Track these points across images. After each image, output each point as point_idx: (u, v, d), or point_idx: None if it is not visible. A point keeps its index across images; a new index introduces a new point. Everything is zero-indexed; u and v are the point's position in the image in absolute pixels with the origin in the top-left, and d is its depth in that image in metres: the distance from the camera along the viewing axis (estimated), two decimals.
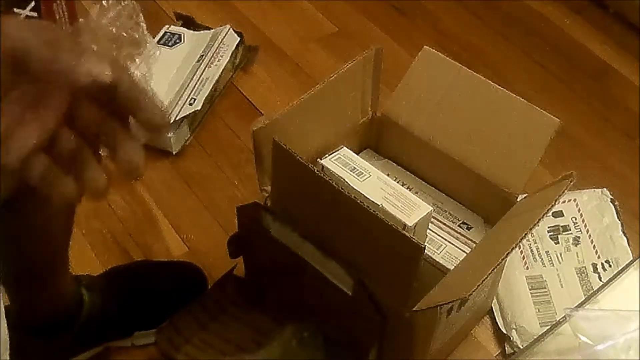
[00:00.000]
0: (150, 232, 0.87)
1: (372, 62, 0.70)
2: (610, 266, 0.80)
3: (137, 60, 1.00)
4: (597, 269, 0.79)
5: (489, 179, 0.68)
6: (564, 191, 0.56)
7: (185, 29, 1.05)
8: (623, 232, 0.84)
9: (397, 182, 0.67)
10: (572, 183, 0.57)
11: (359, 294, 0.62)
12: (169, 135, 0.92)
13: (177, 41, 1.03)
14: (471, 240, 0.71)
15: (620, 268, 0.78)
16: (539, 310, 0.77)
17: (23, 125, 0.32)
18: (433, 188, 0.75)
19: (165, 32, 1.04)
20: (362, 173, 0.67)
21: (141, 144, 0.35)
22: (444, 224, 0.72)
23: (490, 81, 0.69)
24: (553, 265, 0.81)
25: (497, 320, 0.79)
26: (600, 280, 0.78)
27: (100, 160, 0.35)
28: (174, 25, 1.06)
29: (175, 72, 0.99)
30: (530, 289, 0.78)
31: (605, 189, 0.89)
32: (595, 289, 0.77)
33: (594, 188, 0.89)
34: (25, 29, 0.32)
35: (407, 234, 0.56)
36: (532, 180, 0.67)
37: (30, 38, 0.31)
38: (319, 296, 0.67)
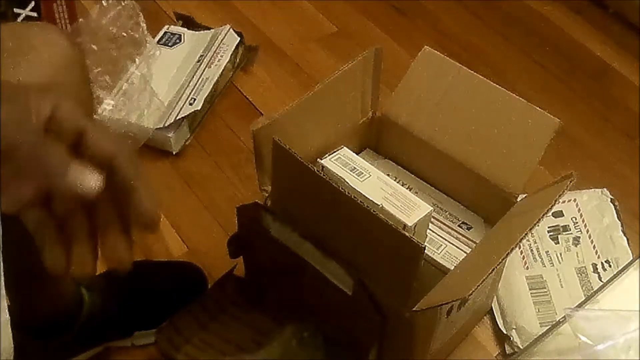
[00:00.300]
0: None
1: (372, 62, 0.70)
2: (610, 266, 0.80)
3: (137, 60, 1.00)
4: (597, 269, 0.79)
5: (489, 179, 0.68)
6: (564, 191, 0.56)
7: (185, 29, 1.05)
8: (623, 232, 0.83)
9: (397, 182, 0.67)
10: (572, 183, 0.57)
11: (359, 294, 0.62)
12: (169, 135, 0.92)
13: (177, 41, 1.03)
14: (471, 240, 0.70)
15: (620, 268, 0.78)
16: (539, 310, 0.77)
17: (20, 177, 0.31)
18: (433, 188, 0.75)
19: (165, 32, 1.04)
20: (362, 173, 0.67)
21: (131, 241, 0.35)
22: (444, 224, 0.72)
23: (490, 81, 0.69)
24: (553, 265, 0.81)
25: (497, 320, 0.79)
26: (600, 280, 0.78)
27: (96, 241, 0.34)
28: (174, 25, 1.06)
29: (175, 72, 0.99)
30: (530, 289, 0.78)
31: (605, 189, 0.89)
32: (595, 289, 0.77)
33: (594, 188, 0.88)
34: (14, 120, 0.31)
35: (407, 234, 0.56)
36: (532, 180, 0.67)
37: (18, 137, 0.31)
38: (319, 296, 0.67)
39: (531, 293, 0.77)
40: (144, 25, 1.01)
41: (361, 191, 0.65)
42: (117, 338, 0.74)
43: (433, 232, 0.70)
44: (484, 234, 0.71)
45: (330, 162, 0.69)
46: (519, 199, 0.67)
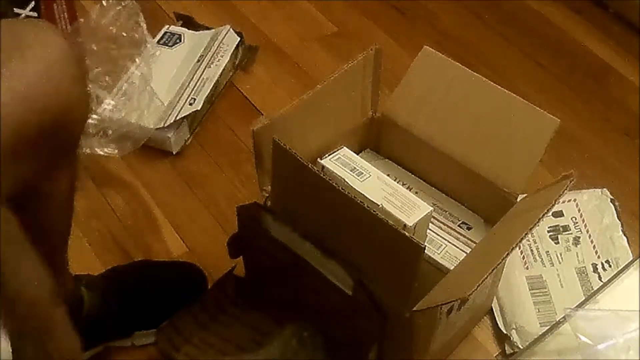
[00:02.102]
0: (150, 232, 0.87)
1: (372, 62, 0.70)
2: (610, 266, 0.80)
3: (137, 60, 1.00)
4: (597, 269, 0.79)
5: (489, 179, 0.68)
6: (564, 191, 0.56)
7: (185, 29, 1.04)
8: (623, 232, 0.83)
9: (397, 182, 0.67)
10: (572, 183, 0.57)
11: (359, 294, 0.62)
12: (169, 135, 0.92)
13: (177, 41, 1.03)
14: (471, 240, 0.70)
15: (620, 268, 0.78)
16: (539, 310, 0.77)
17: None
18: (433, 188, 0.75)
19: (165, 32, 1.04)
20: (362, 173, 0.67)
21: None
22: (444, 224, 0.72)
23: (490, 81, 0.69)
24: (553, 265, 0.80)
25: (497, 320, 0.78)
26: (600, 280, 0.78)
27: None
28: (174, 25, 1.06)
29: (175, 72, 0.99)
30: (530, 289, 0.78)
31: (605, 189, 0.88)
32: (595, 289, 0.77)
33: (593, 188, 0.88)
34: None
35: (407, 233, 0.56)
36: (532, 180, 0.67)
37: None
38: (318, 296, 0.67)
39: (531, 293, 0.77)
40: (144, 25, 1.01)
41: (361, 191, 0.65)
42: (117, 338, 0.74)
43: (433, 232, 0.70)
44: (484, 234, 0.71)
45: (330, 162, 0.69)
46: (518, 199, 0.67)
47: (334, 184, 0.59)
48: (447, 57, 0.72)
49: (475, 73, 0.70)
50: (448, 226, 0.72)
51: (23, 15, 1.02)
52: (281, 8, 1.17)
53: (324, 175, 0.60)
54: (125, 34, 1.01)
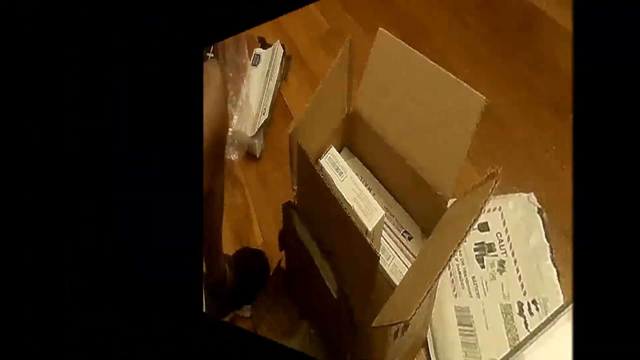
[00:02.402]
0: (246, 223, 0.88)
1: (347, 56, 0.54)
2: (537, 309, 0.56)
3: (245, 81, 1.00)
4: (522, 310, 0.51)
5: (425, 179, 0.48)
6: (489, 195, 0.34)
7: (262, 49, 1.04)
8: (552, 260, 0.52)
9: (363, 183, 0.51)
10: (497, 184, 0.34)
11: (341, 298, 0.50)
12: (256, 141, 0.92)
13: (258, 61, 1.02)
14: (411, 252, 0.49)
15: (549, 315, 0.46)
16: (466, 355, 0.52)
17: None
18: (386, 190, 0.57)
19: (254, 55, 1.04)
20: (343, 173, 0.54)
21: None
22: (392, 232, 0.52)
23: (429, 59, 0.44)
24: (479, 297, 0.56)
25: (431, 357, 0.60)
26: (526, 327, 0.51)
27: None
28: (257, 47, 1.04)
29: (258, 87, 1.01)
30: (458, 324, 0.53)
31: (532, 193, 0.62)
32: (519, 336, 0.52)
33: (519, 192, 0.62)
34: None
35: (367, 239, 0.42)
36: (461, 179, 0.42)
37: None
38: (319, 296, 0.57)
39: (459, 330, 0.53)
40: (247, 52, 1.01)
41: (341, 192, 0.52)
42: (237, 309, 0.77)
43: (385, 240, 0.51)
44: (421, 245, 0.49)
45: (324, 162, 0.57)
46: (449, 204, 0.42)
47: (327, 185, 0.48)
48: (397, 36, 0.49)
49: (419, 53, 0.46)
50: (395, 234, 0.51)
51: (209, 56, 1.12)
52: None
53: (322, 175, 0.50)
54: (238, 61, 1.03)
